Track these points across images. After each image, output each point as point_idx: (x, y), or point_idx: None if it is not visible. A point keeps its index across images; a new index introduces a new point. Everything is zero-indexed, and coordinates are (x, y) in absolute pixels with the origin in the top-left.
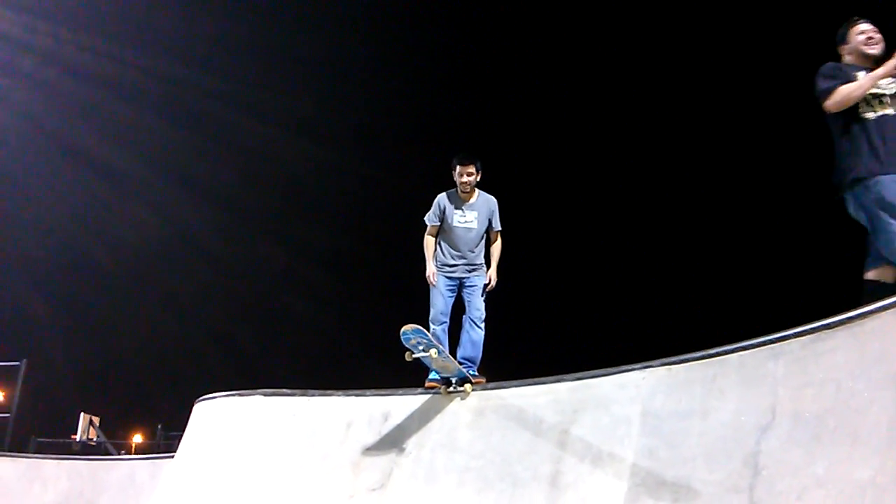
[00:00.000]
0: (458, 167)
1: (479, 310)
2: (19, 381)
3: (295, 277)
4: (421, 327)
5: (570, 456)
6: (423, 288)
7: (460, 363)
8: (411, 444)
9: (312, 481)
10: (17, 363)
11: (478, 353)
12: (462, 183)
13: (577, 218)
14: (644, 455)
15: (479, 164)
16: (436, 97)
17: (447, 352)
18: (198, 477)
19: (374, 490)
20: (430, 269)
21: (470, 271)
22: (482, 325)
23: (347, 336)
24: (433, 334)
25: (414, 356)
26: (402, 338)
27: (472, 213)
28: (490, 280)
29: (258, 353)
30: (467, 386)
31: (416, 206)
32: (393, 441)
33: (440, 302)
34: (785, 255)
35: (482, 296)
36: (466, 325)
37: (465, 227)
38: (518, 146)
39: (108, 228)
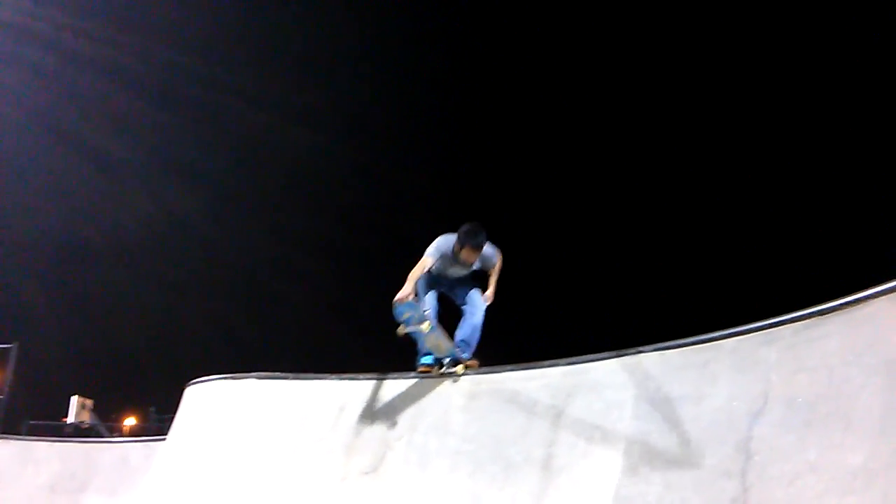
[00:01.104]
0: (463, 250)
1: (478, 298)
2: (11, 364)
3: (289, 263)
4: (414, 301)
5: (563, 440)
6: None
7: (457, 346)
8: (404, 427)
9: (305, 464)
10: (9, 346)
11: (475, 337)
12: (467, 263)
13: (572, 204)
14: (636, 439)
15: (484, 242)
16: (432, 86)
17: (439, 329)
18: (190, 459)
19: (366, 473)
20: (410, 289)
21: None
22: (482, 311)
23: (341, 321)
24: (425, 309)
25: (406, 330)
26: (395, 311)
27: (465, 271)
28: (488, 299)
29: (252, 337)
30: (458, 367)
31: (411, 195)
32: (386, 425)
33: (422, 282)
34: (779, 241)
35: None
36: (468, 310)
37: (458, 276)
38: (513, 134)
39: (102, 213)
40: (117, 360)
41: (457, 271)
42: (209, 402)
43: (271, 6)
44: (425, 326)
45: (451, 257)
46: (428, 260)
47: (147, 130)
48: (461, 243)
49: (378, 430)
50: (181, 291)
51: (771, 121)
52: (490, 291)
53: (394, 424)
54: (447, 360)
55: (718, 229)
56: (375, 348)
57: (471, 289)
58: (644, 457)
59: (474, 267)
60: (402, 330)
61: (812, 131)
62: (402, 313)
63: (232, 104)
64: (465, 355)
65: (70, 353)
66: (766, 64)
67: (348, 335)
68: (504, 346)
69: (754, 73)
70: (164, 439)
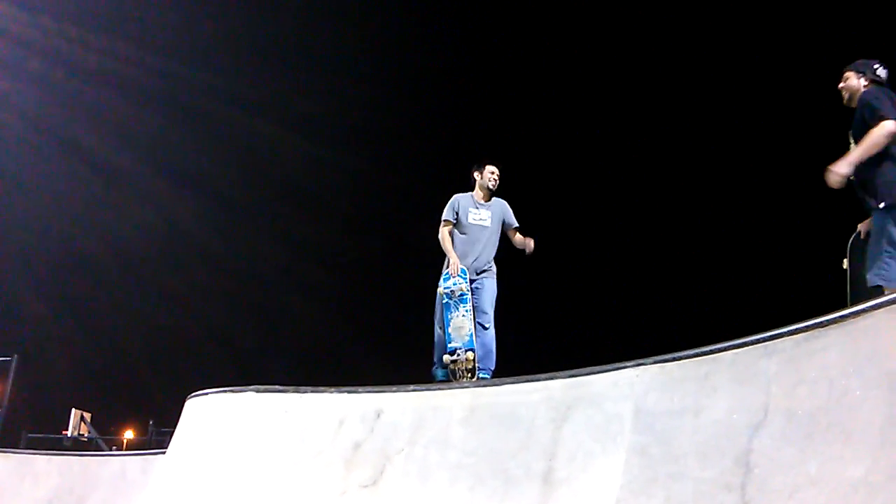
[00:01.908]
0: (488, 166)
1: (486, 312)
2: (10, 377)
3: (290, 274)
4: (466, 273)
5: (562, 453)
6: (419, 285)
7: (479, 368)
8: (404, 441)
9: (304, 478)
10: (8, 358)
11: (491, 358)
12: (492, 181)
13: (571, 216)
14: (636, 452)
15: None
16: (435, 94)
17: (470, 312)
18: (189, 473)
19: (366, 487)
20: (455, 259)
21: (478, 273)
22: (489, 326)
23: (342, 333)
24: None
25: (445, 290)
26: (443, 282)
27: (486, 212)
28: (528, 246)
29: (252, 350)
30: (469, 353)
31: (414, 204)
32: (385, 438)
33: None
34: (778, 252)
35: (492, 299)
36: (477, 329)
37: (479, 224)
38: (512, 143)
39: (103, 224)
40: (117, 373)
41: (479, 216)
42: (208, 415)
43: (272, 14)
44: (463, 287)
45: (466, 201)
46: (447, 223)
47: (148, 140)
48: (480, 166)
49: (377, 443)
50: (181, 302)
51: (766, 132)
52: (530, 241)
53: (394, 438)
54: (462, 349)
55: (718, 241)
56: (376, 360)
57: (485, 288)
58: (644, 470)
59: (492, 203)
60: (442, 291)
61: (808, 144)
62: (451, 277)
63: (233, 113)
64: (485, 375)
65: (70, 366)
66: (780, 73)
67: (349, 347)
68: (504, 359)
69: (766, 82)
70: (163, 453)
